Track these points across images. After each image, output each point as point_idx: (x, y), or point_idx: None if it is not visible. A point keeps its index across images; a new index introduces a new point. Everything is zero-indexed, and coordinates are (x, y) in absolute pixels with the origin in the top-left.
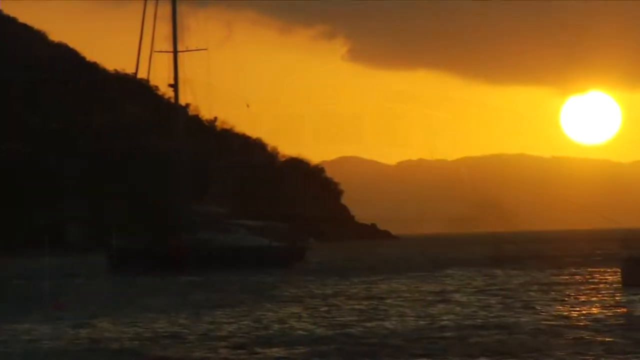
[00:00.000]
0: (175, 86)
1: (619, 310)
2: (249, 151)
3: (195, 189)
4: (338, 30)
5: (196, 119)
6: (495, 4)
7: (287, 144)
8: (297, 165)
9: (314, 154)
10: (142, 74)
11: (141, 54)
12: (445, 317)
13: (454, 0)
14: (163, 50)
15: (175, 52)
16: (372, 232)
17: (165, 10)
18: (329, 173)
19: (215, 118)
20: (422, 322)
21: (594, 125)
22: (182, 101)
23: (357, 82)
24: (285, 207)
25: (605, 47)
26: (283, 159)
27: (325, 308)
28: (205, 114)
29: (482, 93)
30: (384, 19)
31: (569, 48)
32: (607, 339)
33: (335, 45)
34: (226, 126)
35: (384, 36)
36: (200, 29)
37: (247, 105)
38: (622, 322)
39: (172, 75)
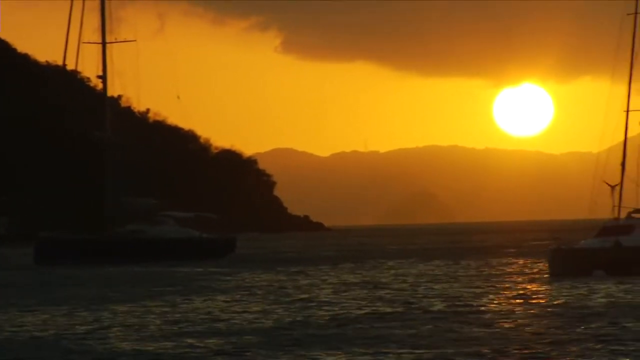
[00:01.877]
0: (103, 77)
1: (543, 301)
2: (181, 143)
3: (126, 180)
4: (271, 22)
5: (128, 110)
6: None
7: (220, 136)
8: (230, 156)
9: (248, 145)
10: (71, 66)
11: (71, 45)
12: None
13: None
14: (91, 41)
15: (103, 43)
16: (305, 224)
17: (96, 1)
18: (262, 165)
19: (148, 110)
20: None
21: (526, 117)
22: (113, 93)
23: (291, 74)
24: (217, 199)
25: (538, 39)
26: (216, 151)
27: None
28: (138, 106)
29: (415, 85)
30: (318, 11)
31: (501, 40)
32: (530, 329)
33: (269, 37)
34: (158, 118)
35: (318, 28)
36: (132, 20)
37: (178, 97)
38: (545, 311)
39: (101, 66)
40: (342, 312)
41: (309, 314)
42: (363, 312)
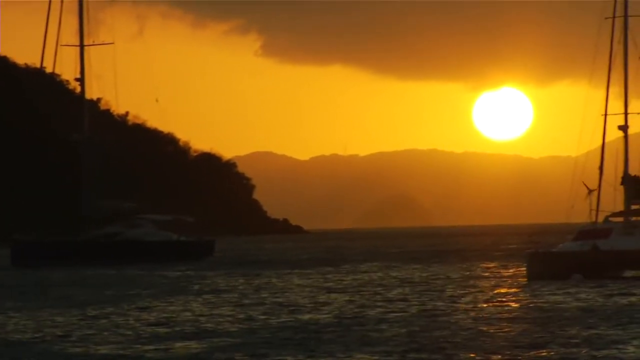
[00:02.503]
0: (81, 80)
1: (521, 304)
2: (160, 146)
3: (105, 183)
4: (251, 26)
5: (107, 113)
6: (407, 1)
7: (199, 139)
8: (209, 160)
9: (227, 149)
10: (49, 69)
11: (49, 48)
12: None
13: None
14: (69, 44)
15: (81, 46)
16: (284, 227)
17: (74, 4)
18: (241, 168)
19: (127, 113)
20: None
21: (505, 121)
22: (91, 96)
23: (270, 78)
24: (196, 202)
25: (517, 43)
26: (195, 154)
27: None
28: (117, 109)
29: (395, 89)
30: (298, 15)
31: (482, 44)
32: (507, 332)
33: (249, 40)
34: (138, 121)
35: (298, 32)
36: (111, 23)
37: (156, 100)
38: (523, 315)
39: (79, 69)
40: (314, 316)
41: (281, 318)
42: (334, 315)
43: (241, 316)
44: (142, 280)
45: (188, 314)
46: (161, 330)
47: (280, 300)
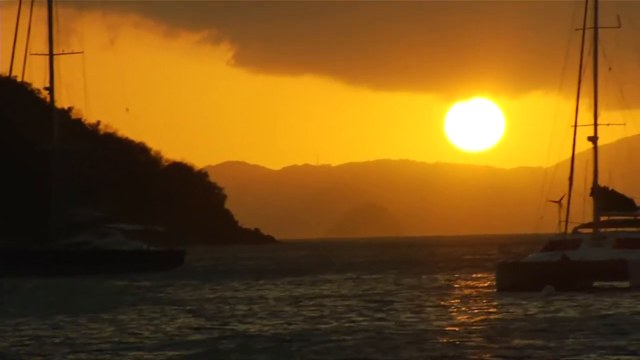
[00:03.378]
0: (50, 89)
1: (490, 315)
2: (131, 155)
3: (75, 192)
4: (224, 36)
5: (78, 122)
6: (380, 10)
7: (172, 149)
8: (181, 169)
9: (199, 158)
10: (19, 78)
11: (18, 56)
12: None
13: (339, 7)
14: (39, 53)
15: (50, 55)
16: (255, 237)
17: (44, 12)
18: (213, 178)
19: (98, 122)
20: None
21: (477, 132)
22: (62, 104)
23: (243, 87)
24: (168, 212)
25: (489, 54)
26: (166, 163)
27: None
28: (88, 118)
29: (366, 99)
30: (270, 25)
31: (454, 55)
32: (477, 344)
33: (221, 50)
34: (109, 130)
35: (270, 42)
36: (82, 32)
37: (127, 109)
38: (492, 326)
39: (48, 78)
40: (281, 327)
41: (244, 328)
42: (297, 327)
43: (170, 328)
44: (105, 290)
45: (147, 323)
46: (118, 339)
47: (224, 309)
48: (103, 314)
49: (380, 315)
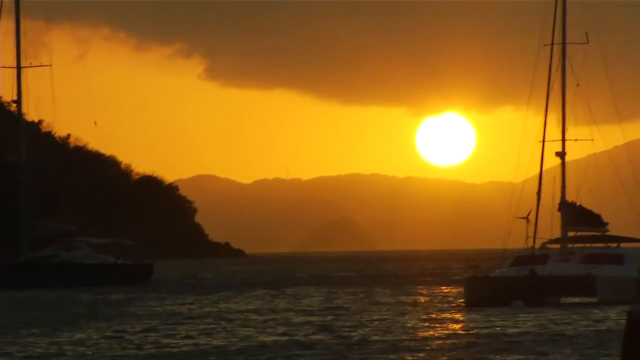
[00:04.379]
0: (18, 102)
1: (458, 330)
2: (102, 168)
3: (44, 205)
4: (195, 49)
5: (48, 135)
6: (351, 24)
7: (142, 162)
8: (151, 183)
9: (170, 172)
10: None
11: None
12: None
13: (310, 21)
14: (7, 65)
15: (18, 67)
16: (225, 251)
17: (13, 24)
18: (184, 191)
19: (68, 135)
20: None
21: (448, 146)
22: (32, 117)
23: (214, 101)
24: (137, 225)
25: (460, 69)
26: (137, 177)
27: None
28: (58, 131)
29: (337, 113)
30: (242, 39)
31: (425, 70)
32: (440, 357)
33: (192, 64)
34: (79, 143)
35: (241, 56)
36: (53, 45)
37: (95, 123)
38: (460, 341)
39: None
40: (244, 340)
41: (205, 342)
42: (267, 339)
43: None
44: (69, 303)
45: (109, 339)
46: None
47: (210, 324)
48: (45, 328)
49: (336, 329)
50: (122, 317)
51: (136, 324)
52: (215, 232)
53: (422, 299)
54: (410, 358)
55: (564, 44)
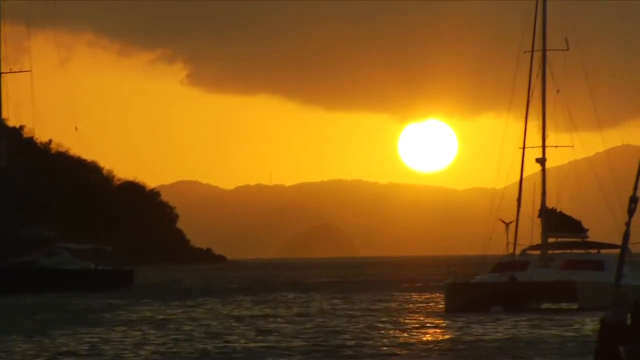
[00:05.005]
0: None
1: (439, 336)
2: (83, 174)
3: (25, 210)
4: (178, 55)
5: (30, 141)
6: (334, 31)
7: (124, 168)
8: (132, 188)
9: (152, 177)
10: None
11: None
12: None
13: (293, 27)
14: None
15: None
16: (207, 257)
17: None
18: (166, 197)
19: (50, 141)
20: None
21: (431, 153)
22: (13, 123)
23: (196, 107)
24: (119, 231)
25: (443, 75)
26: (118, 183)
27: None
28: (39, 137)
29: (320, 119)
30: (225, 44)
31: (408, 76)
32: None
33: (175, 70)
34: (61, 149)
35: (224, 62)
36: (36, 50)
37: (75, 128)
38: (438, 347)
39: None
40: (219, 346)
41: (181, 348)
42: (241, 345)
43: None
44: (48, 309)
45: (86, 343)
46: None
47: (191, 328)
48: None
49: (314, 336)
50: (85, 323)
51: (95, 331)
52: (197, 238)
53: (402, 305)
54: None
55: (544, 50)
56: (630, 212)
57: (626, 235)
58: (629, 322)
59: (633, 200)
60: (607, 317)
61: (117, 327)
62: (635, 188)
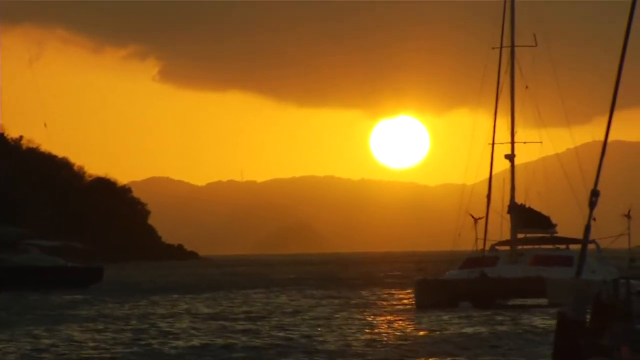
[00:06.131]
0: None
1: (408, 332)
2: (54, 171)
3: None
4: (150, 51)
5: (0, 137)
6: (306, 28)
7: (96, 164)
8: (104, 185)
9: (124, 174)
10: None
11: None
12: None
13: (265, 24)
14: None
15: None
16: (178, 253)
17: None
18: (138, 193)
19: (21, 137)
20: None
21: (402, 149)
22: None
23: (168, 103)
24: (90, 227)
25: (415, 72)
26: (90, 179)
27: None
28: (11, 133)
29: (292, 115)
30: (197, 41)
31: (379, 72)
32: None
33: (147, 66)
34: (32, 145)
35: (196, 58)
36: (4, 46)
37: (45, 125)
38: (410, 343)
39: None
40: (183, 343)
41: (145, 345)
42: (204, 342)
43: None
44: (15, 306)
45: (48, 341)
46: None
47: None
48: None
49: (282, 331)
50: (45, 320)
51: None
52: (168, 235)
53: (373, 302)
54: None
55: (512, 46)
56: (592, 205)
57: (587, 229)
58: (588, 316)
59: (594, 193)
60: (566, 311)
61: (63, 325)
62: (596, 182)
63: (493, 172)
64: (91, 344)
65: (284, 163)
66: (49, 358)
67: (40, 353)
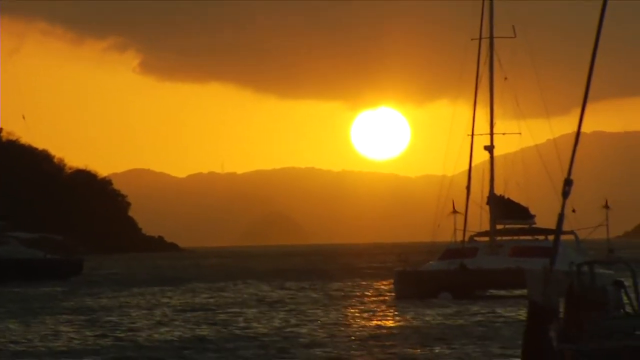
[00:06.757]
0: None
1: (388, 323)
2: (34, 163)
3: None
4: (130, 43)
5: None
6: (287, 19)
7: (76, 156)
8: (84, 177)
9: (104, 166)
10: None
11: None
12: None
13: (246, 15)
14: None
15: None
16: (158, 245)
17: None
18: (118, 185)
19: (1, 129)
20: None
21: (383, 140)
22: None
23: (149, 95)
24: (70, 219)
25: (395, 63)
26: (70, 171)
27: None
28: None
29: (273, 107)
30: (177, 33)
31: (359, 64)
32: (367, 351)
33: (127, 58)
34: (12, 137)
35: (176, 50)
36: None
37: (23, 117)
38: (387, 334)
39: None
40: (154, 335)
41: (121, 338)
42: (180, 335)
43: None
44: None
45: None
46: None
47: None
48: None
49: (262, 322)
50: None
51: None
52: (149, 227)
53: (352, 292)
54: (336, 352)
55: (491, 37)
56: (565, 194)
57: (560, 218)
58: (561, 305)
59: (567, 182)
60: (537, 299)
61: (40, 317)
62: (569, 171)
63: (473, 164)
64: (68, 336)
65: (265, 155)
66: (25, 350)
67: (16, 345)
